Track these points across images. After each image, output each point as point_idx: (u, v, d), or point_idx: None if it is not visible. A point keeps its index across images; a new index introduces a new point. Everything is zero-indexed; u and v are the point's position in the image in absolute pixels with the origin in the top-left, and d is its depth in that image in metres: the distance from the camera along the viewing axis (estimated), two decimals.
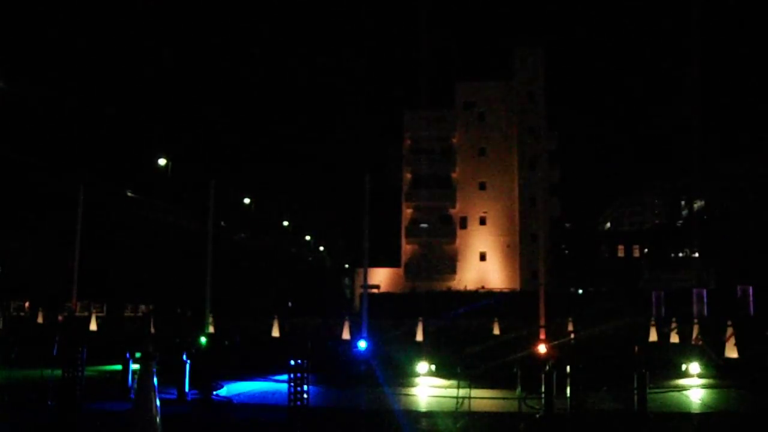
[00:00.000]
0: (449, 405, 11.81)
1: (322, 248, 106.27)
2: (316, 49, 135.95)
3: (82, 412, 11.10)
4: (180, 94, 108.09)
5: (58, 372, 11.31)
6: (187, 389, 12.75)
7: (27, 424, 10.71)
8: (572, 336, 25.39)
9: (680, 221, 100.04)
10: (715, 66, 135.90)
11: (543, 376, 10.96)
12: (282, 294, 56.69)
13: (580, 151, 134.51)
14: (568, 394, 10.89)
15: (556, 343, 19.52)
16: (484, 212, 67.65)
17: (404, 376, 16.21)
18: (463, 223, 67.92)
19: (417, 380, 15.89)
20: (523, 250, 64.68)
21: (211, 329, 21.80)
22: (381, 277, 63.04)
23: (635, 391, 11.34)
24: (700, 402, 13.76)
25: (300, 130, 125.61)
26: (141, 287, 44.63)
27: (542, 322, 18.65)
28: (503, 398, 12.38)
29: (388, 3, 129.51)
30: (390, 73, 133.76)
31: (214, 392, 12.97)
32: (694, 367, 16.64)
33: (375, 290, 53.64)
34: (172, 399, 12.39)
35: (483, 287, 61.29)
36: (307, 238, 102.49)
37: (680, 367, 16.86)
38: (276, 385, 13.62)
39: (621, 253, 73.61)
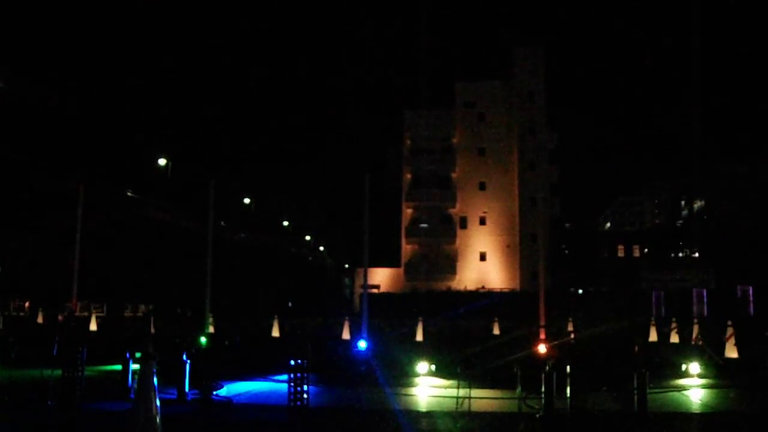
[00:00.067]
0: (449, 405, 11.81)
1: (322, 248, 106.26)
2: (316, 49, 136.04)
3: (82, 412, 11.11)
4: (180, 94, 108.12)
5: (58, 372, 11.31)
6: (187, 389, 12.75)
7: (27, 424, 10.71)
8: (572, 336, 25.38)
9: (680, 221, 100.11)
10: (715, 66, 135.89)
11: (543, 376, 10.97)
12: (282, 294, 56.68)
13: (580, 151, 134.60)
14: (568, 394, 10.89)
15: (556, 343, 19.51)
16: (484, 212, 67.66)
17: (404, 376, 16.21)
18: (463, 223, 67.93)
19: (417, 380, 15.89)
20: (523, 250, 64.68)
21: (211, 329, 21.80)
22: (381, 277, 63.06)
23: (635, 391, 11.34)
24: (700, 402, 13.75)
25: (300, 130, 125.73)
26: (141, 287, 44.62)
27: (542, 322, 18.65)
28: (503, 398, 12.38)
29: (389, 3, 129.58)
30: (390, 73, 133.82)
31: (214, 392, 12.97)
32: (694, 367, 16.64)
33: (375, 290, 53.69)
34: (172, 399, 12.39)
35: (483, 287, 61.30)
36: (307, 238, 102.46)
37: (680, 367, 16.86)
38: (276, 385, 13.62)
39: (621, 253, 73.55)
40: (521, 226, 65.41)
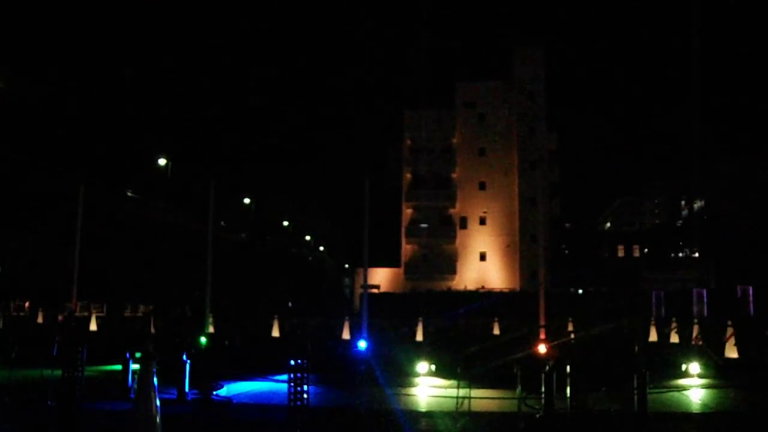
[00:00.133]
0: (449, 405, 11.81)
1: (322, 248, 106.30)
2: (316, 48, 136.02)
3: (82, 412, 11.10)
4: (180, 94, 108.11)
5: (58, 372, 11.30)
6: (187, 389, 12.75)
7: (27, 424, 10.71)
8: (572, 336, 25.36)
9: (680, 221, 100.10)
10: (715, 66, 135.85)
11: (543, 376, 10.96)
12: (282, 294, 56.69)
13: (580, 151, 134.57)
14: (568, 394, 10.89)
15: (556, 343, 19.50)
16: (484, 212, 67.67)
17: (404, 376, 16.22)
18: (463, 223, 67.94)
19: (417, 380, 15.90)
20: (523, 250, 64.68)
21: (211, 329, 21.78)
22: (381, 277, 63.06)
23: (635, 391, 11.33)
24: (700, 402, 13.75)
25: (300, 131, 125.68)
26: (141, 287, 44.61)
27: (542, 322, 18.62)
28: (503, 398, 12.37)
29: (389, 3, 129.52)
30: (390, 73, 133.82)
31: (214, 392, 12.97)
32: (694, 367, 16.64)
33: (375, 290, 53.67)
34: (172, 399, 12.40)
35: (483, 287, 61.30)
36: (307, 238, 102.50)
37: (680, 367, 16.86)
38: (276, 385, 13.62)
39: (621, 253, 73.61)
40: (521, 226, 65.40)
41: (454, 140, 69.11)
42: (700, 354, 17.73)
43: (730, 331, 19.18)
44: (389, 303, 45.35)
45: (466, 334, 27.92)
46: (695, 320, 24.91)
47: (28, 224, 40.64)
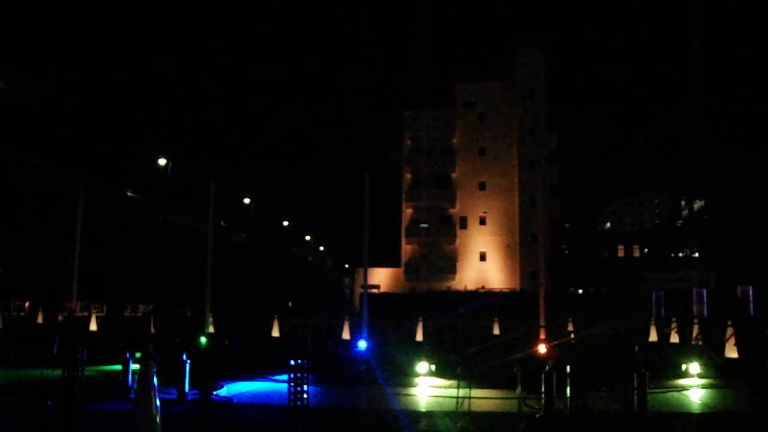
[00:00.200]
0: (449, 405, 11.81)
1: (322, 248, 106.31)
2: (317, 48, 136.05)
3: (82, 412, 11.10)
4: (180, 94, 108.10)
5: (58, 372, 11.30)
6: (187, 389, 12.75)
7: (27, 424, 10.71)
8: (572, 336, 25.36)
9: (680, 221, 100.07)
10: (715, 66, 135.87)
11: (543, 376, 10.96)
12: (282, 294, 56.67)
13: (580, 151, 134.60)
14: (568, 394, 10.88)
15: (556, 343, 19.50)
16: (484, 212, 67.67)
17: (404, 376, 16.21)
18: (463, 223, 67.94)
19: (417, 380, 15.89)
20: (523, 250, 64.68)
21: (211, 329, 21.79)
22: (381, 277, 63.06)
23: (635, 391, 11.33)
24: (700, 402, 13.75)
25: (300, 131, 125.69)
26: (141, 287, 44.61)
27: (542, 322, 18.62)
28: (503, 398, 12.37)
29: (389, 3, 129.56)
30: (390, 73, 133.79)
31: (214, 392, 12.97)
32: (694, 367, 16.63)
33: (375, 290, 53.65)
34: (172, 399, 12.39)
35: (483, 287, 61.30)
36: (307, 238, 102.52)
37: (680, 367, 16.85)
38: (276, 385, 13.61)
39: (621, 253, 73.55)
40: (521, 226, 65.40)
41: (454, 140, 69.10)
42: (700, 354, 17.73)
43: (730, 331, 19.16)
44: (389, 303, 45.35)
45: (466, 334, 27.88)
46: (695, 320, 24.90)
47: (28, 224, 40.63)
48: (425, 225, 68.06)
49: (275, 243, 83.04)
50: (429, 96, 68.38)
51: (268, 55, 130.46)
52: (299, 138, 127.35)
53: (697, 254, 67.14)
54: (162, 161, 62.70)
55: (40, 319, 29.05)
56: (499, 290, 59.25)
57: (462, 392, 11.36)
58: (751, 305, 34.02)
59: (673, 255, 71.79)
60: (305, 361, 10.48)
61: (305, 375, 10.40)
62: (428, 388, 14.89)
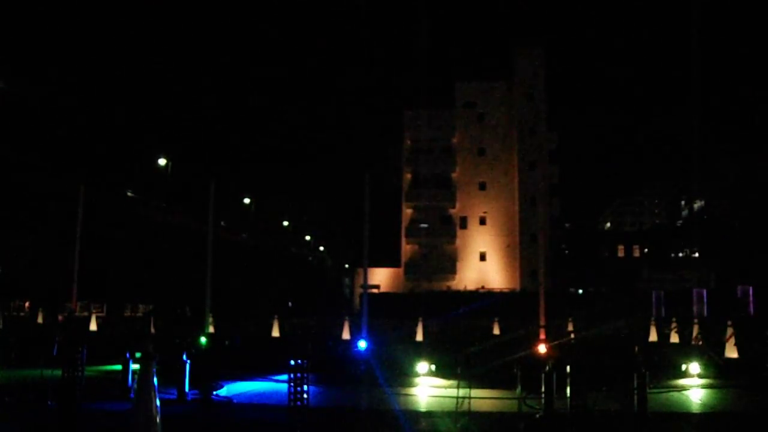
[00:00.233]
0: (449, 405, 11.80)
1: (322, 248, 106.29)
2: (317, 48, 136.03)
3: (82, 412, 11.09)
4: (180, 94, 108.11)
5: (58, 372, 11.29)
6: (187, 389, 12.74)
7: (27, 424, 10.71)
8: (572, 336, 25.35)
9: (680, 221, 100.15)
10: (715, 66, 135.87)
11: (543, 376, 10.95)
12: (282, 294, 56.68)
13: (580, 151, 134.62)
14: (568, 394, 10.88)
15: (556, 343, 19.50)
16: (484, 212, 67.70)
17: (404, 376, 16.21)
18: (463, 223, 67.97)
19: (417, 380, 15.89)
20: (523, 250, 64.70)
21: (211, 329, 21.78)
22: (381, 277, 63.12)
23: (635, 391, 11.33)
24: (700, 402, 13.75)
25: (300, 130, 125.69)
26: (141, 287, 44.63)
27: (542, 322, 18.62)
28: (503, 398, 12.37)
29: (389, 3, 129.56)
30: (390, 73, 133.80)
31: (214, 392, 12.96)
32: (694, 367, 16.63)
33: (375, 290, 53.73)
34: (172, 399, 12.39)
35: (483, 287, 61.33)
36: (307, 238, 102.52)
37: (680, 367, 16.84)
38: (276, 385, 13.61)
39: (621, 253, 73.62)
40: (521, 226, 65.42)
41: (454, 140, 69.12)
42: (700, 354, 17.72)
43: (730, 331, 19.14)
44: (389, 303, 45.37)
45: (466, 334, 27.85)
46: (695, 320, 24.87)
47: (28, 224, 40.64)
48: (425, 225, 68.09)
49: (275, 243, 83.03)
50: (429, 96, 68.37)
51: (268, 55, 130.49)
52: (299, 138, 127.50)
53: (697, 254, 67.18)
54: (162, 161, 62.74)
55: (40, 319, 29.05)
56: (499, 290, 59.30)
57: (462, 392, 11.35)
58: (751, 305, 34.03)
59: (673, 255, 71.85)
60: (305, 361, 10.48)
61: (305, 375, 10.39)
62: (428, 388, 14.89)
